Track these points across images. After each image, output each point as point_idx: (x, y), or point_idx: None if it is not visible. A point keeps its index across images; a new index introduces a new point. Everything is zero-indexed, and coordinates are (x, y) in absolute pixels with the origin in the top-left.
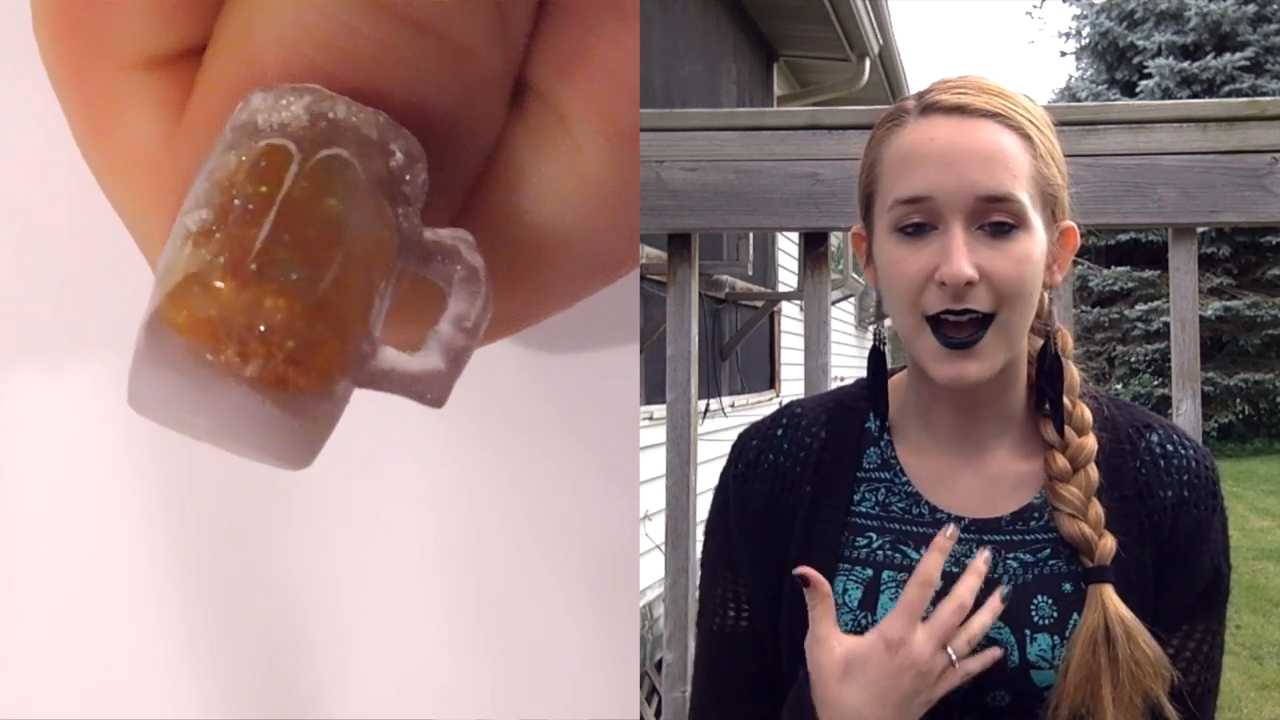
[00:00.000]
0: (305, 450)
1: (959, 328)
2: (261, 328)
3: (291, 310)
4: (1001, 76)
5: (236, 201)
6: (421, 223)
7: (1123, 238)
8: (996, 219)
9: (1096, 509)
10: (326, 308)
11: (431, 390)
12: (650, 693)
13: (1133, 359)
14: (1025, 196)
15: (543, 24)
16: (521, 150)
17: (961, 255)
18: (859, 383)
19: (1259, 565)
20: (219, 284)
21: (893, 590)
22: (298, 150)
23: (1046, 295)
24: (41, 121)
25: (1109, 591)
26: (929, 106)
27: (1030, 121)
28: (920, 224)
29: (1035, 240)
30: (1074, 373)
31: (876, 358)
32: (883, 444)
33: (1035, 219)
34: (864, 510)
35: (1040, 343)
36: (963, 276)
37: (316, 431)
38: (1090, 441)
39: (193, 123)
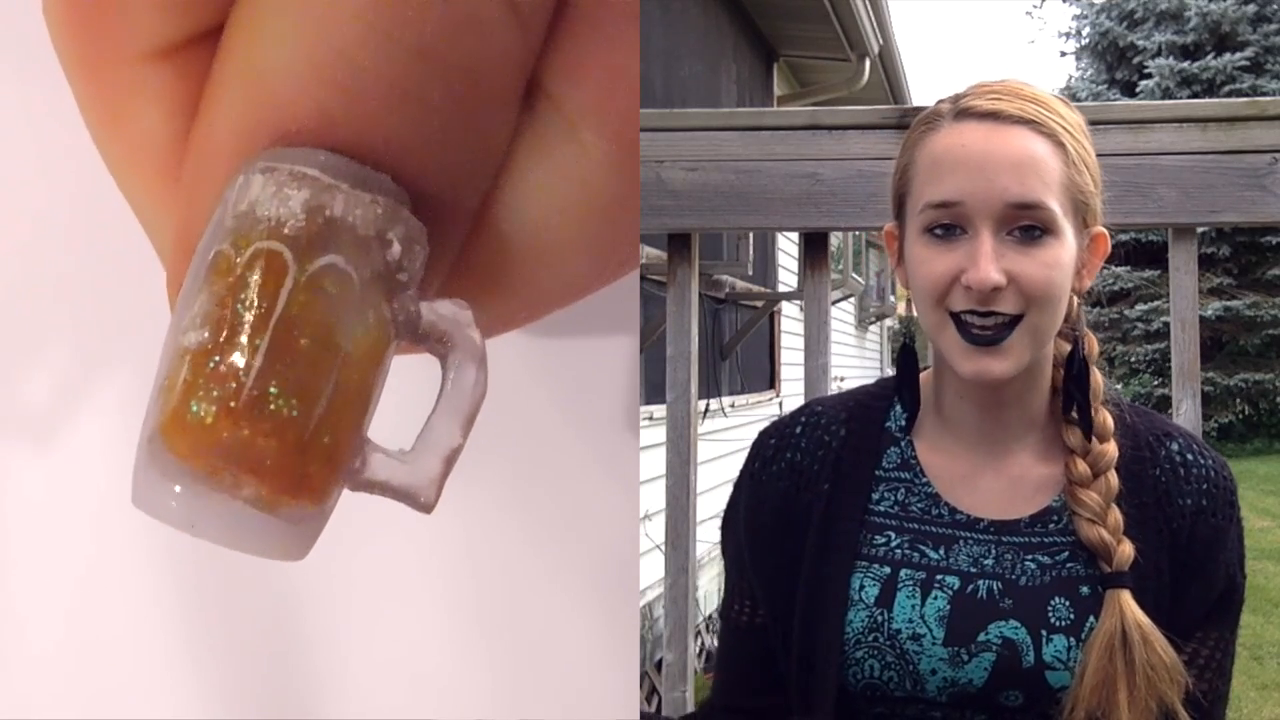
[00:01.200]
0: (301, 548)
1: (984, 327)
2: (255, 465)
3: (283, 448)
4: (1038, 82)
5: (232, 322)
6: (418, 301)
7: (1123, 238)
8: (1026, 224)
9: (1115, 515)
10: (318, 439)
11: (423, 496)
12: (650, 693)
13: (1133, 359)
14: (1056, 204)
15: (555, 25)
16: (529, 153)
17: (988, 261)
18: (880, 382)
19: (1259, 565)
20: (213, 422)
21: (910, 588)
22: (293, 260)
23: (1075, 300)
24: (42, 122)
25: (1126, 597)
26: (963, 111)
27: (1064, 128)
28: (949, 225)
29: (1065, 246)
30: (1099, 379)
31: (907, 354)
32: (903, 444)
33: (1066, 226)
34: (883, 509)
35: (1068, 347)
36: (989, 283)
37: (311, 533)
38: (1111, 448)
39: (198, 159)
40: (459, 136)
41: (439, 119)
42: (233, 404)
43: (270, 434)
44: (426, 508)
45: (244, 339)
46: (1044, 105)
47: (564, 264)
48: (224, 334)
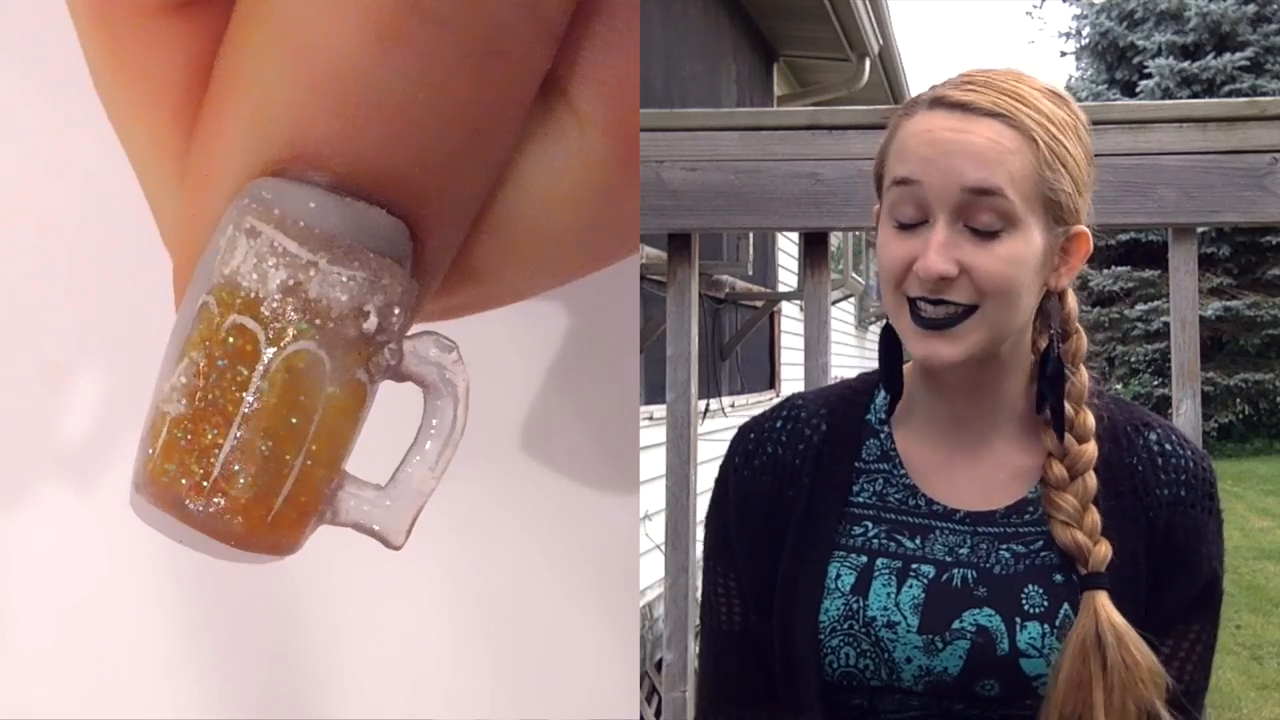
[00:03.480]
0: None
1: (935, 314)
2: (225, 534)
3: (250, 523)
4: (1034, 74)
5: (206, 399)
6: (400, 350)
7: (1123, 238)
8: (983, 219)
9: (1093, 516)
10: (286, 510)
11: (392, 539)
12: (650, 693)
13: (1133, 359)
14: (1016, 196)
15: (574, 25)
16: (537, 146)
17: (937, 251)
18: (860, 376)
19: (1259, 565)
20: (187, 493)
21: (886, 576)
22: (266, 342)
23: (1063, 296)
24: (48, 122)
25: (1102, 599)
26: (937, 100)
27: (1039, 124)
28: (913, 216)
29: (1027, 242)
30: (1084, 379)
31: (889, 335)
32: (882, 435)
33: (1029, 220)
34: (861, 500)
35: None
36: (935, 272)
37: (294, 552)
38: (1090, 449)
39: (198, 186)
40: (469, 161)
41: (448, 146)
42: (204, 483)
43: (238, 511)
44: (395, 548)
45: (215, 419)
46: (1022, 100)
47: (559, 252)
48: (197, 409)
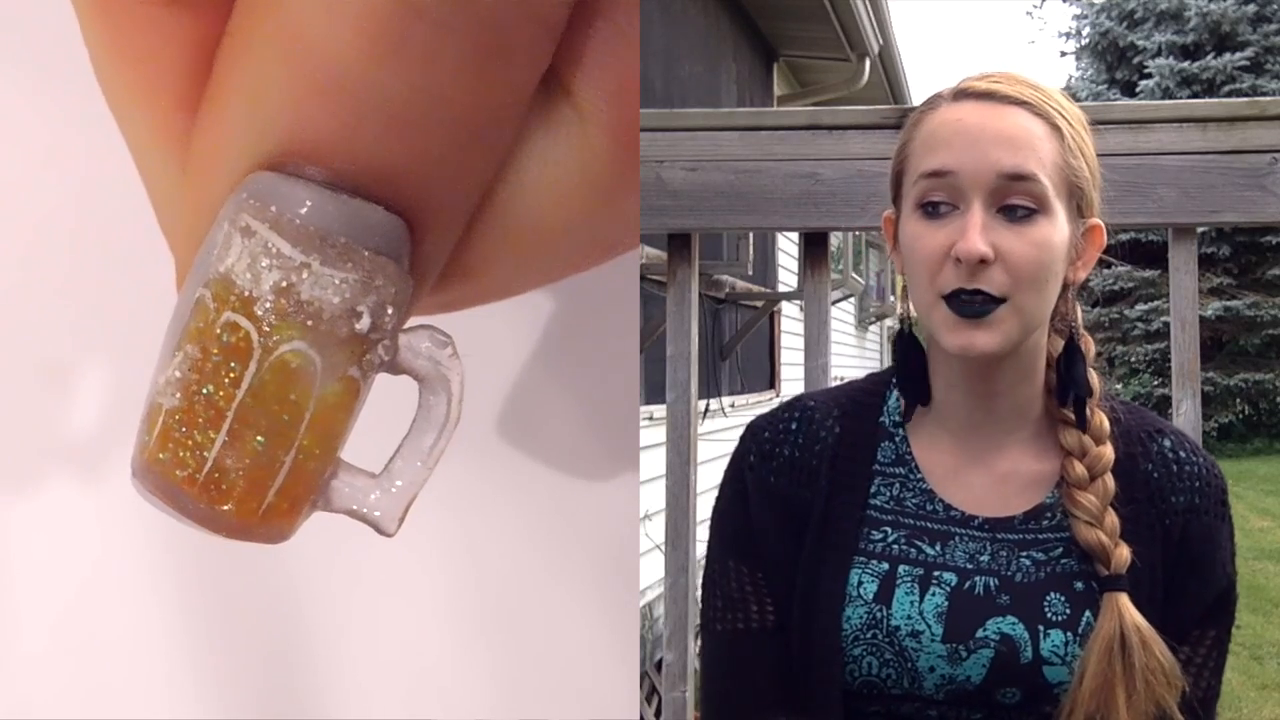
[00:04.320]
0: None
1: (971, 301)
2: (217, 525)
3: (242, 513)
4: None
5: (200, 396)
6: (395, 345)
7: (1123, 238)
8: (1016, 201)
9: (1112, 517)
10: (277, 504)
11: (384, 527)
12: (650, 693)
13: (1133, 359)
14: (1048, 181)
15: (578, 22)
16: (538, 142)
17: (977, 232)
18: (870, 378)
19: (1259, 565)
20: (181, 484)
21: (908, 585)
22: (259, 342)
23: (1070, 293)
24: (46, 122)
25: (1125, 600)
26: (961, 92)
27: (1061, 114)
28: (942, 202)
29: (1056, 227)
30: (1095, 379)
31: (904, 340)
32: (897, 439)
33: (1058, 207)
34: (879, 504)
35: (1061, 344)
36: (976, 253)
37: (287, 539)
38: (1108, 450)
39: (198, 180)
40: (468, 159)
41: (446, 145)
42: (197, 476)
43: (231, 502)
44: (388, 535)
45: (209, 414)
46: (1042, 91)
47: (557, 248)
48: (192, 406)
